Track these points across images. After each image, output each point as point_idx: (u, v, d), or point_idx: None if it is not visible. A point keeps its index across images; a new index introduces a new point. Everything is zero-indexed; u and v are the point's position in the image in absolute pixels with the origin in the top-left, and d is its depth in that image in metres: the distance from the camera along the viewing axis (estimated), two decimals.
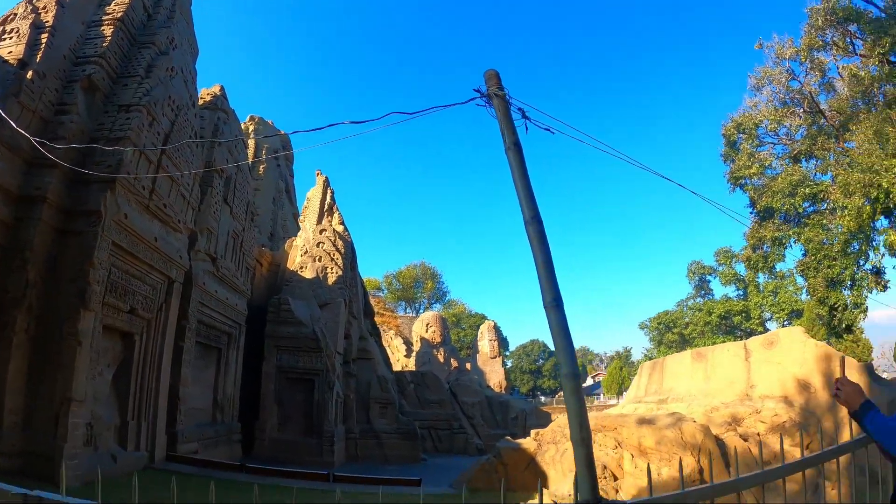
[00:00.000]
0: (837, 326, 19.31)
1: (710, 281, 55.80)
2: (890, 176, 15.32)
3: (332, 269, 27.43)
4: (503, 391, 47.75)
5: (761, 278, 30.14)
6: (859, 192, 16.14)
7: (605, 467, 12.31)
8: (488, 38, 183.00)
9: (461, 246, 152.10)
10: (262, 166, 36.52)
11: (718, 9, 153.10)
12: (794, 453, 3.62)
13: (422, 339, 48.12)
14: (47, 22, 13.78)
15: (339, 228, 29.82)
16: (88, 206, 12.73)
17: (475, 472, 15.81)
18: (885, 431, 2.80)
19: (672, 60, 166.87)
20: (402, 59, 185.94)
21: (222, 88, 22.72)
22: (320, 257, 27.68)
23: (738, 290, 49.26)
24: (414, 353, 47.74)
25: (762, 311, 46.18)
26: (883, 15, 17.86)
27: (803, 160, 21.00)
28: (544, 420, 34.60)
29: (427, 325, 49.03)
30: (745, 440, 12.03)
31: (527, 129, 3.81)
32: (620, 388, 60.82)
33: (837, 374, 11.86)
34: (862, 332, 31.77)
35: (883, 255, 17.87)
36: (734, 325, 49.68)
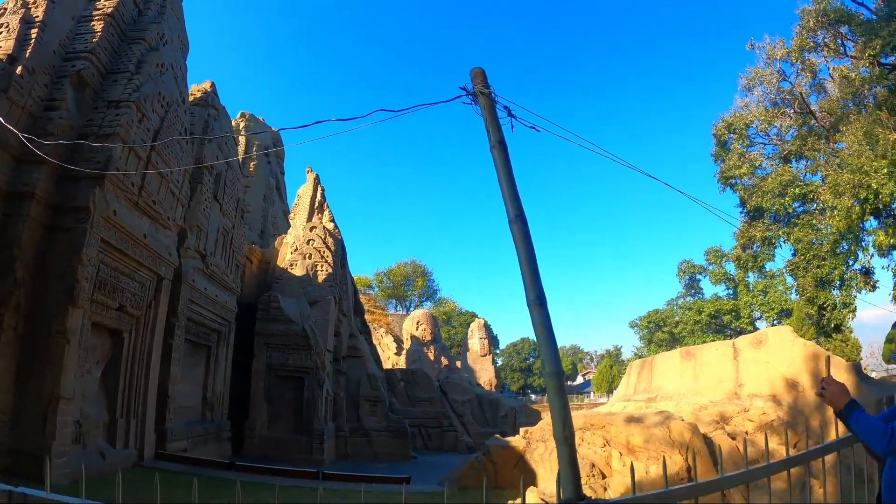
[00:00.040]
0: (826, 326, 19.40)
1: (700, 280, 56.01)
2: (879, 177, 15.41)
3: (322, 266, 27.36)
4: (493, 389, 47.79)
5: (751, 278, 30.23)
6: (849, 193, 16.23)
7: (593, 465, 12.36)
8: (480, 36, 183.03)
9: (452, 244, 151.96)
10: (252, 163, 36.37)
11: (710, 9, 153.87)
12: (782, 452, 3.64)
13: (412, 336, 48.10)
14: (37, 17, 13.65)
15: (330, 226, 29.75)
16: (77, 202, 12.65)
17: (464, 470, 15.83)
18: (870, 431, 2.82)
19: (663, 60, 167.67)
20: (394, 55, 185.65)
21: (213, 85, 22.62)
22: (310, 255, 27.62)
23: (728, 289, 49.49)
24: (404, 351, 47.70)
25: (752, 311, 46.33)
26: (874, 17, 17.94)
27: (793, 161, 21.08)
28: (534, 418, 34.62)
29: (417, 322, 49.01)
30: (734, 439, 12.11)
31: (512, 127, 3.82)
32: (610, 387, 61.02)
33: (825, 374, 11.95)
34: (851, 332, 32.03)
35: (872, 255, 17.97)
36: (724, 325, 49.90)
